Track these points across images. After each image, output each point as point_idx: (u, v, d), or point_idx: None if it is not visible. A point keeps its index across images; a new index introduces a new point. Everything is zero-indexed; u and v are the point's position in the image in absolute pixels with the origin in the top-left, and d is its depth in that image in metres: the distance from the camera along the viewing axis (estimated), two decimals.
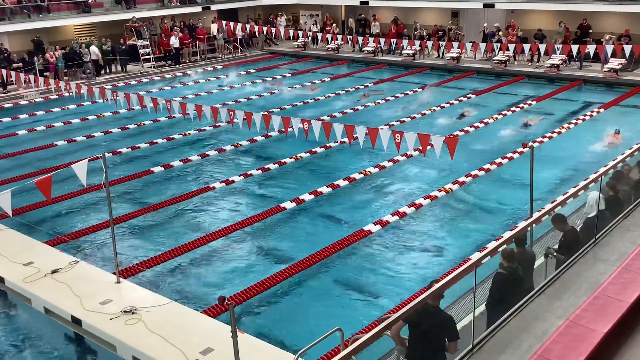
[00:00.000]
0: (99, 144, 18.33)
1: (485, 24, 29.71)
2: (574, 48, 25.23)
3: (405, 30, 31.52)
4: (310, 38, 32.37)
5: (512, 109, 21.12)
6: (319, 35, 31.93)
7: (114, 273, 9.70)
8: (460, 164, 15.34)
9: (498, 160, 15.79)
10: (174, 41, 29.44)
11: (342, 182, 14.60)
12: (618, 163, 9.75)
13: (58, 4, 28.13)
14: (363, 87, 25.40)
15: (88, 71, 27.11)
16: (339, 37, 31.12)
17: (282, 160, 16.24)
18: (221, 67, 30.17)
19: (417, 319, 6.10)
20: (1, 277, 9.98)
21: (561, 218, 8.49)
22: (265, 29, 31.93)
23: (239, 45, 32.93)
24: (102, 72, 27.64)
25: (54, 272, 9.89)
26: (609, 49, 24.09)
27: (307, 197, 13.75)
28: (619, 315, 6.70)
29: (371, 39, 30.98)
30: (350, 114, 21.09)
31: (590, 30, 27.05)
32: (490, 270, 7.64)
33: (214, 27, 32.08)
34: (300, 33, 31.66)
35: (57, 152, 17.54)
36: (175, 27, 30.40)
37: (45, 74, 24.94)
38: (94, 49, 26.85)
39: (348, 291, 10.18)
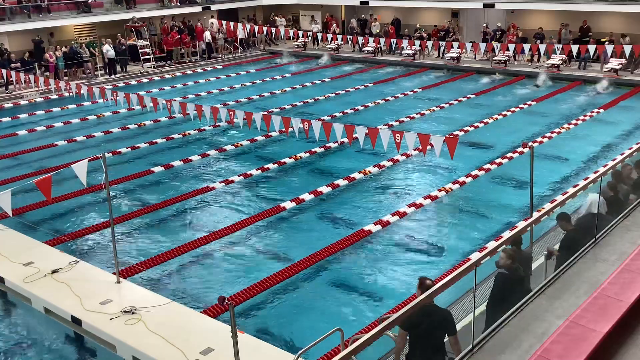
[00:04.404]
0: (99, 144, 18.34)
1: (484, 24, 29.73)
2: (574, 48, 25.26)
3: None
4: (310, 38, 32.39)
5: (512, 109, 21.13)
6: (319, 35, 31.98)
7: (114, 273, 9.70)
8: (460, 163, 15.36)
9: (498, 160, 15.80)
10: (208, 36, 30.63)
11: (342, 182, 14.61)
12: (618, 163, 9.76)
13: (58, 4, 28.14)
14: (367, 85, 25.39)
15: (88, 71, 27.15)
16: (339, 37, 31.14)
17: (282, 160, 16.24)
18: (221, 67, 30.19)
19: (416, 321, 6.10)
20: (1, 277, 9.98)
21: (566, 217, 8.49)
22: (265, 29, 31.95)
23: (239, 45, 32.95)
24: (118, 69, 27.74)
25: (54, 272, 9.88)
26: (609, 49, 24.09)
27: (307, 197, 13.75)
28: (619, 315, 6.70)
29: (371, 39, 31.00)
30: (350, 114, 21.11)
31: (591, 33, 27.03)
32: (490, 270, 7.64)
33: (212, 22, 32.03)
34: (301, 33, 31.70)
35: (57, 152, 17.54)
36: (175, 27, 30.48)
37: (45, 73, 24.96)
38: (107, 48, 26.88)
39: (348, 291, 10.18)
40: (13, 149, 17.83)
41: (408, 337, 6.37)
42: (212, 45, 31.43)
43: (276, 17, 35.41)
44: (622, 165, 9.95)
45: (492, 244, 9.62)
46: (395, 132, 12.36)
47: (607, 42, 25.18)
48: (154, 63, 29.26)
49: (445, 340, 6.41)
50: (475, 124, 19.35)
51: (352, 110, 21.52)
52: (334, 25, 33.75)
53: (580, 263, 8.07)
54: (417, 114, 20.80)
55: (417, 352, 6.31)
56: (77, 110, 22.42)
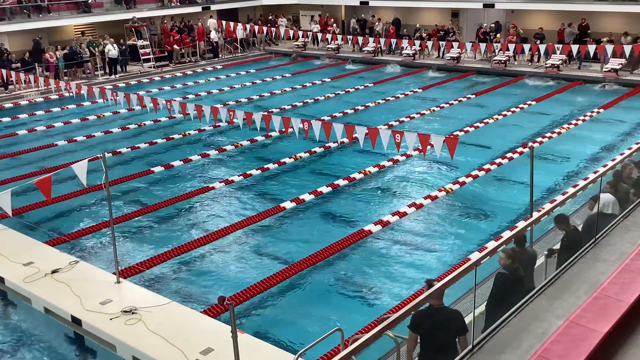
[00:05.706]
0: (99, 144, 18.34)
1: (485, 24, 29.73)
2: (574, 48, 25.24)
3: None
4: (310, 38, 32.38)
5: (512, 109, 21.12)
6: (319, 35, 31.97)
7: (114, 273, 9.70)
8: (460, 163, 15.36)
9: (498, 160, 15.79)
10: (214, 36, 31.05)
11: (342, 182, 14.60)
12: (618, 163, 9.76)
13: (58, 4, 28.14)
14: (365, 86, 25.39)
15: (88, 71, 27.14)
16: (339, 37, 31.13)
17: (282, 160, 16.23)
18: (221, 67, 30.18)
19: (426, 325, 6.09)
20: (1, 277, 9.98)
21: (563, 218, 8.48)
22: (265, 29, 31.95)
23: (239, 45, 32.94)
24: (119, 69, 27.73)
25: (54, 272, 9.89)
26: (609, 49, 24.08)
27: (307, 197, 13.75)
28: (619, 315, 6.70)
29: (371, 39, 30.99)
30: (350, 114, 21.10)
31: (589, 31, 27.04)
32: (490, 270, 7.63)
33: (212, 23, 31.96)
34: (301, 33, 31.69)
35: (57, 152, 17.54)
36: (175, 27, 30.48)
37: (45, 73, 24.95)
38: (110, 47, 26.85)
39: (348, 291, 10.18)
40: (13, 149, 17.83)
41: (419, 340, 6.34)
42: (214, 45, 31.52)
43: (277, 18, 35.37)
44: (623, 164, 9.95)
45: (492, 244, 9.62)
46: (395, 132, 12.38)
47: (606, 42, 25.14)
48: (154, 63, 29.25)
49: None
50: (475, 124, 19.35)
51: (352, 110, 21.52)
52: (334, 25, 33.71)
53: (580, 263, 8.06)
54: (417, 114, 20.79)
55: (429, 352, 6.28)
56: (77, 110, 22.41)
